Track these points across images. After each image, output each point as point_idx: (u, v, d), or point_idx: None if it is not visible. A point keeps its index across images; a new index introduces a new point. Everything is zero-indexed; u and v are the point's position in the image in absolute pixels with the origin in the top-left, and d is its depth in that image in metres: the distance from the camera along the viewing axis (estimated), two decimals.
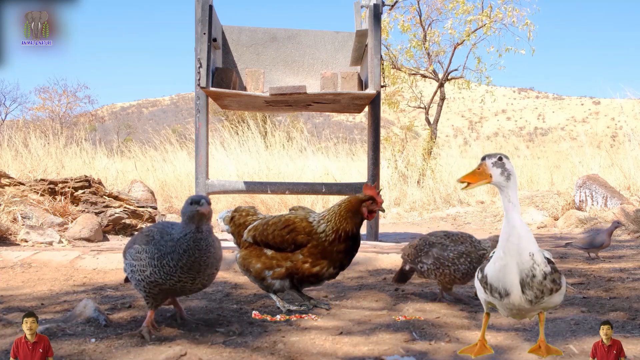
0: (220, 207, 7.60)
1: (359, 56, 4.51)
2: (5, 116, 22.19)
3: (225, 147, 9.28)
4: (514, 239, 1.40)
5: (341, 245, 2.09)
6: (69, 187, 4.98)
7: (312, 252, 2.08)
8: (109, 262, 3.27)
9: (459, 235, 2.28)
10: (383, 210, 2.20)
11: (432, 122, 11.28)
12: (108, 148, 10.13)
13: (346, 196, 2.20)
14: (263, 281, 2.13)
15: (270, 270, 2.11)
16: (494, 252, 1.50)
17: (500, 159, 1.46)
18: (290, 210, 2.27)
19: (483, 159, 1.47)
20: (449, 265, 2.20)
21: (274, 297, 2.17)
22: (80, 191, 5.06)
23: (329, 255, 2.09)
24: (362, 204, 2.11)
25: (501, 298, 1.44)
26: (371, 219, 2.15)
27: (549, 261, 1.44)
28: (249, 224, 2.23)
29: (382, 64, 4.21)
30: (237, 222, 2.27)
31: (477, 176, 1.46)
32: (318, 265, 2.09)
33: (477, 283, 1.53)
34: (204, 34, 3.71)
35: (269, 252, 2.13)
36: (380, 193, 2.14)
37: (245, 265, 2.16)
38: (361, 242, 4.40)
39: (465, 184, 1.46)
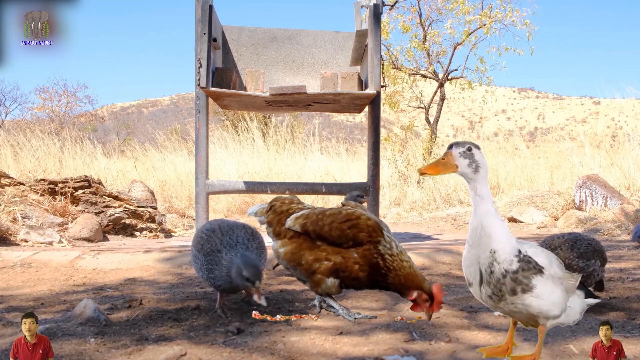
0: (221, 207, 7.61)
1: (359, 56, 4.51)
2: (5, 116, 22.23)
3: (225, 147, 9.29)
4: (478, 232, 1.36)
5: (386, 281, 1.93)
6: (69, 187, 4.98)
7: (365, 255, 1.92)
8: (109, 262, 3.26)
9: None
10: (429, 319, 1.89)
11: (432, 122, 11.29)
12: (108, 148, 10.14)
13: (416, 273, 1.92)
14: (313, 275, 1.95)
15: (318, 263, 1.94)
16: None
17: (469, 149, 1.37)
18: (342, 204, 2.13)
19: (450, 147, 1.38)
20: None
21: (331, 301, 2.00)
22: (80, 191, 5.07)
23: (374, 271, 1.92)
24: (417, 289, 1.87)
25: (469, 285, 1.44)
26: (413, 307, 1.91)
27: (526, 260, 1.36)
28: (292, 212, 2.03)
29: (382, 64, 4.21)
30: (278, 209, 2.06)
31: (440, 167, 1.38)
32: (364, 271, 1.92)
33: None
34: (204, 34, 3.72)
35: (320, 243, 1.95)
36: (442, 304, 1.86)
37: (296, 259, 1.96)
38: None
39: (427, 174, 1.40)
